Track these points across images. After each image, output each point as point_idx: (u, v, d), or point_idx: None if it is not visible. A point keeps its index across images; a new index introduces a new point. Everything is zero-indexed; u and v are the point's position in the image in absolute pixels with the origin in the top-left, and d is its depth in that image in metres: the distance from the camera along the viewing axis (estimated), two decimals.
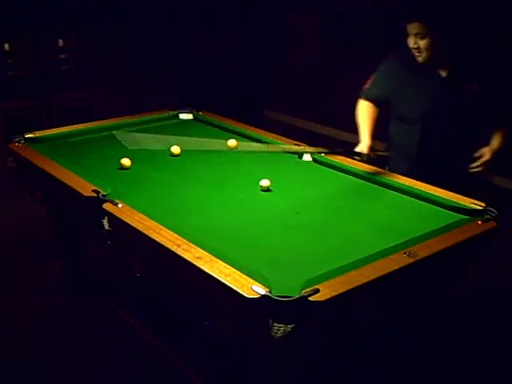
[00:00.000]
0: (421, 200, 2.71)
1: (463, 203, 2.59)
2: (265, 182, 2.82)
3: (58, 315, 3.31)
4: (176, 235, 2.27)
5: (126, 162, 3.05)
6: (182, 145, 2.94)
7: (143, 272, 2.46)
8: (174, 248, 2.18)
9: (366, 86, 3.25)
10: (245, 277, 1.99)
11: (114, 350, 3.02)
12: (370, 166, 3.02)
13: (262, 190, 2.81)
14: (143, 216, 2.43)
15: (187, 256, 2.13)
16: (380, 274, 2.05)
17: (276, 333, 1.85)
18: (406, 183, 2.82)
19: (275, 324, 1.85)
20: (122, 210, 2.48)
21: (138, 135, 2.72)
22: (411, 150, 3.07)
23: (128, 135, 2.70)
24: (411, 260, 2.14)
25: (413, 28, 2.87)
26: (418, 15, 2.84)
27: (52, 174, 2.90)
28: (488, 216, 2.44)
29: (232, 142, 3.39)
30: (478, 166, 2.89)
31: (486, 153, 2.90)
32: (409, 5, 2.92)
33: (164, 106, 4.05)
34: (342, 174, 3.04)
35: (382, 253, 2.18)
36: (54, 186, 2.93)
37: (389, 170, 3.04)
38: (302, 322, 1.87)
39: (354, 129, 6.38)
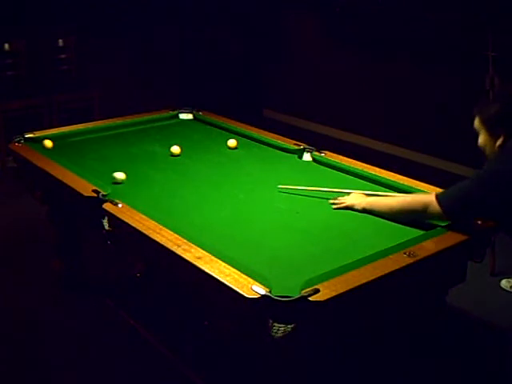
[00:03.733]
0: None
1: None
2: (231, 142, 2.93)
3: (58, 315, 3.31)
4: (176, 235, 2.27)
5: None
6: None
7: (143, 272, 2.46)
8: (174, 248, 2.18)
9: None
10: (245, 277, 1.99)
11: (113, 349, 3.02)
12: (370, 166, 3.03)
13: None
14: (143, 216, 2.43)
15: (187, 256, 2.13)
16: (380, 273, 2.05)
17: (276, 333, 1.85)
18: (406, 183, 2.82)
19: (275, 324, 1.85)
20: (121, 210, 2.48)
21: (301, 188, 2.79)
22: None
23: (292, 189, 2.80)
24: (411, 260, 2.14)
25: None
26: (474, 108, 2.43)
27: (52, 173, 2.90)
28: None
29: (232, 142, 3.39)
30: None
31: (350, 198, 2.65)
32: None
33: (164, 106, 4.05)
34: (341, 173, 3.04)
35: (382, 253, 2.18)
36: (54, 186, 2.93)
37: None
38: (301, 322, 1.87)
39: (353, 128, 6.40)
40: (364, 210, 2.58)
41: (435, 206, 2.33)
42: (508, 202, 2.24)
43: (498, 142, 2.32)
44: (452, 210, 2.32)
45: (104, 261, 3.40)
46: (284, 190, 2.80)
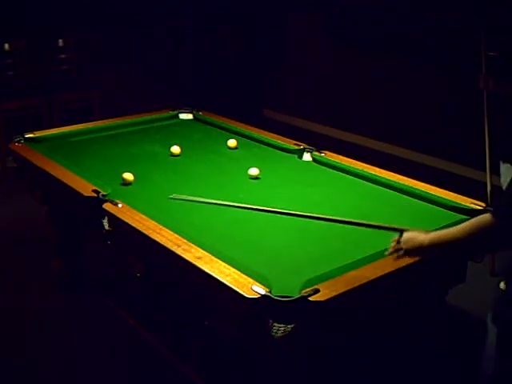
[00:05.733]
0: (421, 200, 2.71)
1: (463, 203, 2.59)
2: (254, 171, 2.90)
3: (58, 315, 3.31)
4: (176, 235, 2.27)
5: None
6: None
7: (143, 272, 2.46)
8: (174, 248, 2.18)
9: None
10: (245, 277, 1.99)
11: (113, 349, 3.02)
12: (370, 166, 3.03)
13: (251, 178, 2.91)
14: (143, 216, 2.43)
15: (187, 256, 2.13)
16: (380, 274, 2.05)
17: (276, 333, 1.85)
18: (406, 183, 2.82)
19: (275, 324, 1.85)
20: (121, 210, 2.48)
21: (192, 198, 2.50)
22: None
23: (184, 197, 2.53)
24: (411, 260, 2.13)
25: None
26: None
27: (52, 173, 2.90)
28: None
29: (232, 142, 3.39)
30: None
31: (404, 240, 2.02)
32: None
33: (164, 106, 4.05)
34: (341, 173, 3.04)
35: (382, 253, 2.18)
36: (54, 185, 2.93)
37: None
38: (301, 322, 1.87)
39: (353, 128, 6.39)
40: (427, 251, 2.00)
41: (489, 218, 1.87)
42: None
43: None
44: (506, 216, 1.84)
45: (104, 261, 3.41)
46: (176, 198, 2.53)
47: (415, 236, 2.00)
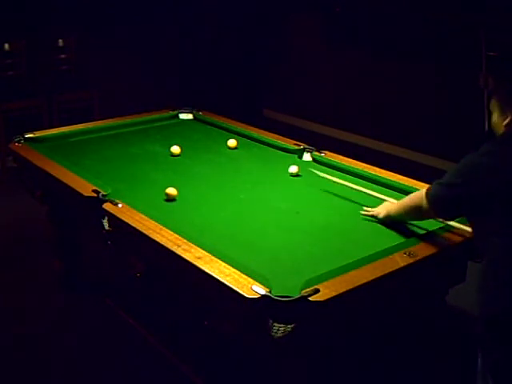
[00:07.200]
0: None
1: None
2: (293, 169, 2.97)
3: (58, 315, 3.31)
4: (176, 235, 2.27)
5: (171, 191, 2.73)
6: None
7: (143, 272, 2.46)
8: (174, 248, 2.18)
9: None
10: (245, 277, 1.99)
11: (113, 349, 3.02)
12: (370, 166, 3.03)
13: (292, 176, 2.99)
14: (143, 216, 2.43)
15: (187, 256, 2.13)
16: (380, 274, 2.05)
17: (276, 333, 1.85)
18: (406, 183, 2.82)
19: (275, 324, 1.85)
20: (121, 210, 2.48)
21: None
22: None
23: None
24: (411, 260, 2.14)
25: None
26: None
27: (52, 173, 2.90)
28: None
29: (232, 142, 3.40)
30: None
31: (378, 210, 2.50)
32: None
33: (164, 106, 4.05)
34: (342, 173, 3.04)
35: (382, 253, 2.18)
36: (54, 185, 2.93)
37: None
38: (301, 322, 1.87)
39: (353, 128, 6.38)
40: (386, 219, 2.46)
41: (423, 200, 2.16)
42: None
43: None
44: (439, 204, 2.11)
45: (104, 261, 3.40)
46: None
47: (385, 206, 2.48)
